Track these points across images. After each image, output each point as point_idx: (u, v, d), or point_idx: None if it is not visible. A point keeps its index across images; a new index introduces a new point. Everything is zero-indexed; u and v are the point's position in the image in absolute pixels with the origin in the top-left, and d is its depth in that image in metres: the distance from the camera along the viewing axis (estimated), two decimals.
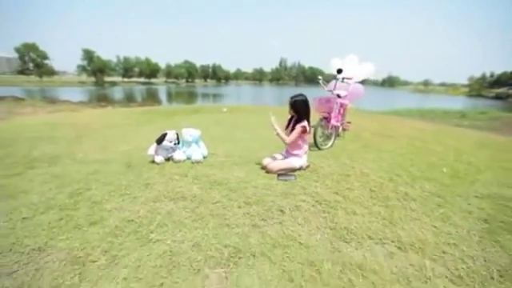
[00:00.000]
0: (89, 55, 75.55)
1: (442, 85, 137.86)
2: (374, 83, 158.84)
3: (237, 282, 1.47)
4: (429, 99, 49.41)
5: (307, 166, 3.08)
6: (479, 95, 75.78)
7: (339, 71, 4.14)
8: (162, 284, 1.44)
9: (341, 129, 4.79)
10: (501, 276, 1.56)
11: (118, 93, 43.64)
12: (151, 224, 1.96)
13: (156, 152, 3.20)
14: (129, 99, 31.15)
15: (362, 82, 5.04)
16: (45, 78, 66.38)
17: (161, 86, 71.53)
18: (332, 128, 4.14)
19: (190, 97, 40.33)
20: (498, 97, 67.07)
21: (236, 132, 5.47)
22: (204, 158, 3.36)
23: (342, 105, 4.52)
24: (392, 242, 1.83)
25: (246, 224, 1.97)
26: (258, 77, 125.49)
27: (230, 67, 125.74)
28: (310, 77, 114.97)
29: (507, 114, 22.88)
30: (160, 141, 3.16)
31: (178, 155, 3.25)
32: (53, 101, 17.88)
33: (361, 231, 1.92)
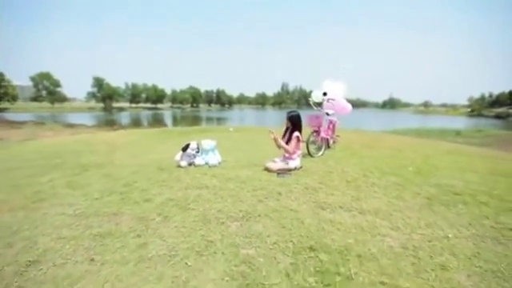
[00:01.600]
0: (99, 82, 79.52)
1: (443, 106, 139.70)
2: (376, 105, 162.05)
3: (248, 229, 2.26)
4: (429, 119, 50.23)
5: (300, 167, 3.91)
6: (480, 115, 76.97)
7: (324, 94, 5.11)
8: (200, 229, 2.25)
9: (332, 141, 5.66)
10: (426, 225, 2.34)
11: (125, 118, 45.54)
12: (186, 200, 2.78)
13: (181, 158, 4.07)
14: (136, 124, 32.71)
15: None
16: (56, 105, 69.51)
17: (166, 111, 74.14)
18: (322, 140, 5.01)
19: (195, 121, 41.84)
20: (498, 116, 68.11)
21: (242, 145, 6.35)
22: (219, 163, 4.21)
23: (331, 121, 5.43)
24: (356, 209, 2.62)
25: (253, 200, 2.78)
26: (261, 101, 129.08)
27: (233, 92, 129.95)
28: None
29: (504, 131, 23.62)
30: (185, 149, 4.05)
31: (199, 160, 4.11)
32: (70, 125, 19.20)
33: (334, 203, 2.71)
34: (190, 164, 4.12)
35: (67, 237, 2.20)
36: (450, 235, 2.20)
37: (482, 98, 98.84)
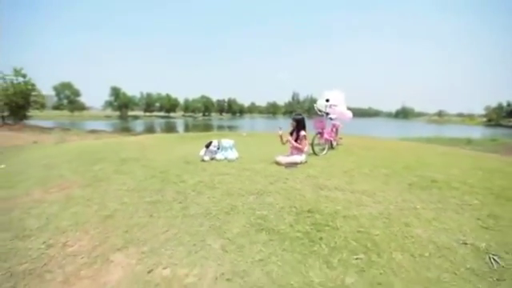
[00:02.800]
0: (116, 92, 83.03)
1: (460, 115, 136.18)
2: (388, 115, 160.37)
3: (262, 200, 2.97)
4: (444, 129, 49.22)
5: (305, 162, 4.60)
6: (498, 125, 75.03)
7: (327, 100, 5.82)
8: (226, 199, 2.98)
9: (335, 143, 6.32)
10: (402, 200, 2.98)
11: (139, 125, 47.40)
12: (213, 182, 3.53)
13: (205, 153, 4.85)
14: (150, 131, 34.08)
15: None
16: (75, 113, 72.92)
17: (179, 120, 76.20)
18: (325, 140, 5.69)
19: (206, 129, 42.92)
20: None
21: (255, 147, 7.09)
22: (236, 158, 4.96)
23: (334, 125, 6.12)
24: (347, 190, 3.28)
25: (265, 182, 3.50)
26: (272, 110, 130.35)
27: (244, 101, 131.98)
28: None
29: None
30: (208, 146, 4.83)
31: (219, 156, 4.88)
32: (92, 131, 20.61)
33: (331, 185, 3.39)
34: (211, 158, 4.88)
35: (128, 202, 2.98)
36: (418, 206, 2.84)
37: (500, 107, 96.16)
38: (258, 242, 2.21)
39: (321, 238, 2.24)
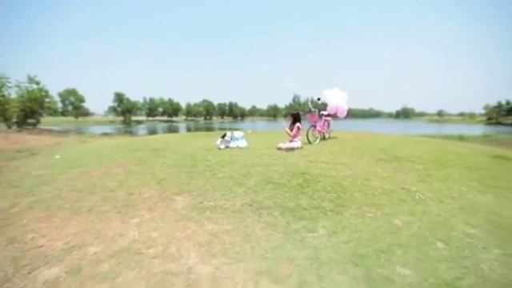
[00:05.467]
0: (119, 97, 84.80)
1: (461, 114, 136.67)
2: (389, 115, 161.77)
3: (269, 169, 4.16)
4: (444, 128, 49.86)
5: (301, 147, 5.79)
6: (498, 123, 75.95)
7: (318, 99, 7.04)
8: (242, 169, 4.17)
9: (327, 135, 7.52)
10: (368, 167, 4.17)
11: (142, 130, 48.71)
12: (231, 160, 4.72)
13: (220, 143, 6.05)
14: (153, 134, 35.32)
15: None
16: (80, 118, 74.69)
17: (181, 124, 77.79)
18: (318, 132, 6.87)
19: (208, 132, 44.20)
20: None
21: (260, 139, 8.29)
22: (245, 147, 6.15)
23: (326, 120, 7.32)
24: (331, 163, 4.46)
25: (270, 159, 4.69)
26: (273, 113, 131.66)
27: (245, 104, 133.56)
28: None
29: (507, 136, 24.31)
30: (223, 137, 6.04)
31: (232, 144, 6.08)
32: (105, 134, 21.91)
33: (318, 160, 4.58)
34: (226, 147, 6.08)
35: (172, 172, 4.19)
36: (378, 171, 4.03)
37: (499, 105, 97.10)
38: (267, 188, 3.41)
39: (308, 186, 3.44)
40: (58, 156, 6.25)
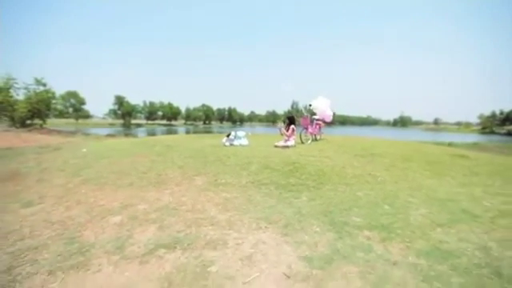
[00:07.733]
0: (120, 100, 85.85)
1: (458, 124, 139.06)
2: (387, 123, 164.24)
3: (267, 160, 5.16)
4: (439, 136, 50.89)
5: (294, 146, 6.80)
6: (492, 132, 77.69)
7: (310, 105, 8.10)
8: (245, 159, 5.17)
9: (318, 137, 8.56)
10: (347, 160, 5.18)
11: (142, 133, 49.61)
12: (235, 153, 5.71)
13: (226, 141, 7.05)
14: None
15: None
16: (80, 121, 75.51)
17: (180, 127, 78.81)
18: (310, 134, 7.90)
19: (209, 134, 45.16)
20: (509, 133, 68.91)
21: (259, 140, 9.31)
22: (247, 144, 7.15)
23: (317, 123, 8.36)
24: (318, 156, 5.48)
25: (268, 153, 5.69)
26: (271, 118, 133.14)
27: (244, 110, 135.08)
28: None
29: (498, 144, 25.52)
30: (228, 135, 7.04)
31: (236, 142, 7.08)
32: (110, 135, 22.82)
33: (308, 154, 5.59)
34: (230, 144, 7.08)
35: (189, 162, 5.17)
36: (354, 163, 5.05)
37: (493, 115, 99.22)
38: (265, 172, 4.41)
39: (297, 171, 4.44)
40: (84, 150, 7.20)
